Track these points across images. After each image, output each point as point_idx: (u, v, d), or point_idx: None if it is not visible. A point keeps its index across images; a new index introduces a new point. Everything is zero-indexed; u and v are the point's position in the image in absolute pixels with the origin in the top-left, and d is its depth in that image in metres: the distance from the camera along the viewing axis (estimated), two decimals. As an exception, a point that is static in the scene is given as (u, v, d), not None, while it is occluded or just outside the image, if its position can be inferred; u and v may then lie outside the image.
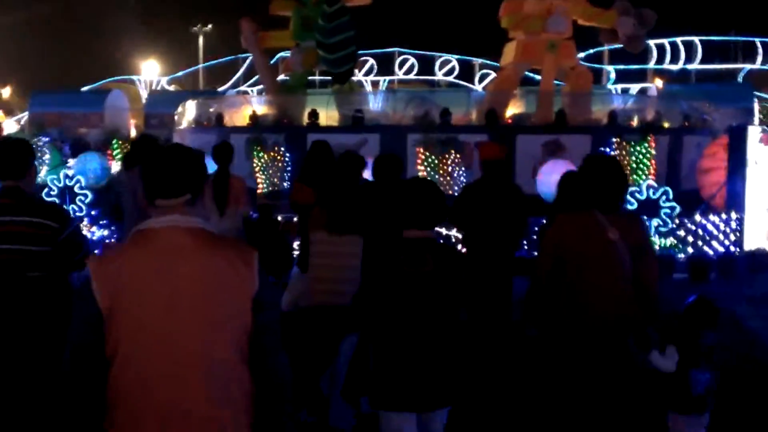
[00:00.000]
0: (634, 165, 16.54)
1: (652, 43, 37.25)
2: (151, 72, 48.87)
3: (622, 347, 4.23)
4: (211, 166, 6.98)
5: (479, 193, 5.93)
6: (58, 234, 3.87)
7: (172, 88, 43.47)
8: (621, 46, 23.42)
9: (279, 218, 9.76)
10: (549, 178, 15.15)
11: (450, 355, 3.74)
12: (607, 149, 17.06)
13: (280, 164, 15.63)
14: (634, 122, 19.62)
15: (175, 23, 52.47)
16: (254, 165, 15.84)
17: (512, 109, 21.91)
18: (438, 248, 3.84)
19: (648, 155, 16.82)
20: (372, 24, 34.41)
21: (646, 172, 16.54)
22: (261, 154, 15.75)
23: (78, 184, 11.77)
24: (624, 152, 16.79)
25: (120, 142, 17.24)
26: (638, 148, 16.71)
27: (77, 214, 11.46)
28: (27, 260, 3.79)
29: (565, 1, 21.19)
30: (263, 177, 15.79)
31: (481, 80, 40.36)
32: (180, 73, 46.62)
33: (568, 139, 17.64)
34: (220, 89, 38.54)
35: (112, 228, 10.71)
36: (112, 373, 2.46)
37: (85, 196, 11.77)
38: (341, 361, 4.39)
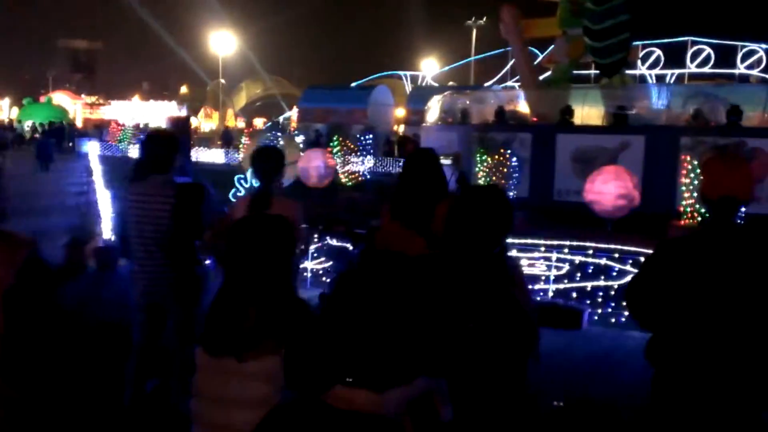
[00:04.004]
0: None
1: None
2: (429, 68, 48.79)
3: None
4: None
5: (698, 259, 2.93)
6: None
7: (438, 83, 42.78)
8: None
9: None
10: None
11: None
12: None
13: (504, 169, 13.25)
14: None
15: (455, 17, 51.83)
16: (477, 169, 13.65)
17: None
18: None
19: None
20: (660, 7, 30.29)
21: None
22: (484, 157, 13.48)
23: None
24: None
25: (341, 139, 16.06)
26: None
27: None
28: None
29: None
30: (485, 184, 13.53)
31: (797, 74, 33.94)
32: (445, 69, 45.80)
33: None
34: (487, 84, 36.84)
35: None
36: None
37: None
38: None
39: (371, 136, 16.28)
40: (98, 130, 37.14)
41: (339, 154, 15.87)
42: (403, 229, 4.15)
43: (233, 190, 10.10)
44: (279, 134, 16.59)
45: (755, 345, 2.82)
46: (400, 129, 36.67)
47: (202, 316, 4.79)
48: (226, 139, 32.07)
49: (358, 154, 15.83)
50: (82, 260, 8.56)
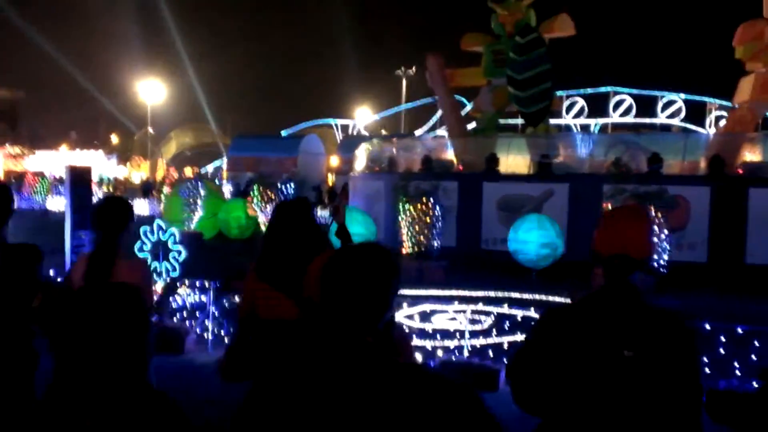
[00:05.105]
0: None
1: None
2: (362, 116, 48.99)
3: None
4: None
5: (585, 331, 2.52)
6: None
7: (366, 132, 42.87)
8: None
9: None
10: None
11: None
12: None
13: (427, 218, 12.99)
14: None
15: (387, 67, 52.37)
16: (399, 219, 13.35)
17: (748, 157, 17.74)
18: None
19: None
20: (582, 59, 31.29)
21: None
22: (406, 206, 13.20)
23: (172, 239, 9.97)
24: None
25: (261, 188, 15.62)
26: None
27: (171, 273, 9.70)
28: None
29: (822, 25, 16.89)
30: (408, 234, 13.21)
31: (716, 124, 35.20)
32: (377, 117, 46.00)
33: (821, 196, 13.56)
34: (417, 132, 37.06)
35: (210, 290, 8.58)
36: None
37: (179, 252, 9.97)
38: None
39: (293, 185, 15.87)
40: (16, 182, 35.71)
41: (259, 204, 15.39)
42: (271, 292, 3.70)
43: (138, 243, 9.48)
44: (201, 183, 16.03)
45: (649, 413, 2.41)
46: (332, 178, 36.45)
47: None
48: (145, 189, 31.36)
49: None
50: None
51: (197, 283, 9.03)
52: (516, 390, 2.60)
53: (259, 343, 3.59)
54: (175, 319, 7.87)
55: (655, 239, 11.57)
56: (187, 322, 7.89)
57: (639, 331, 2.47)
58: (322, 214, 19.88)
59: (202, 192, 16.20)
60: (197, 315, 8.17)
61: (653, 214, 11.74)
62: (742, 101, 19.16)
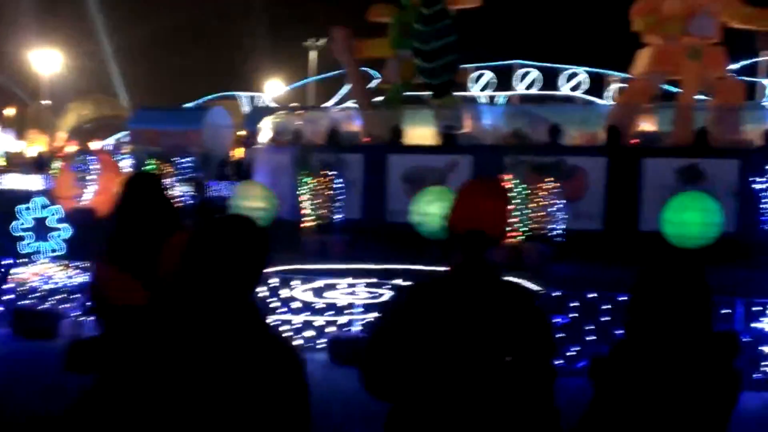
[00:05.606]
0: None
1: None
2: (274, 89, 48.14)
3: None
4: None
5: (440, 309, 2.44)
6: None
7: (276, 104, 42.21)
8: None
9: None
10: (681, 216, 11.83)
11: None
12: (760, 177, 13.28)
13: (328, 191, 12.87)
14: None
15: (297, 38, 51.42)
16: (298, 192, 13.16)
17: (644, 127, 18.30)
18: None
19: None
20: (490, 32, 31.60)
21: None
22: (306, 179, 13.02)
23: (54, 216, 9.44)
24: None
25: (155, 162, 15.09)
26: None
27: (53, 252, 9.21)
28: None
29: (713, 0, 17.38)
30: (310, 207, 13.05)
31: (615, 96, 36.25)
32: (287, 89, 45.31)
33: (710, 165, 14.10)
34: (327, 105, 36.72)
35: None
36: None
37: (64, 231, 9.47)
38: None
39: (191, 158, 15.36)
40: None
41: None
42: (118, 274, 3.45)
43: (15, 222, 8.94)
44: (94, 158, 15.29)
45: (506, 415, 2.35)
46: (241, 151, 35.75)
47: None
48: (40, 164, 29.99)
49: (177, 178, 14.86)
50: None
51: (77, 264, 8.60)
52: (368, 375, 2.51)
53: (107, 330, 3.37)
54: (49, 303, 7.46)
55: (548, 210, 11.78)
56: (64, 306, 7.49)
57: (494, 309, 2.40)
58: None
59: (96, 166, 15.50)
60: (74, 298, 7.78)
61: (551, 185, 11.96)
62: (640, 73, 19.64)
